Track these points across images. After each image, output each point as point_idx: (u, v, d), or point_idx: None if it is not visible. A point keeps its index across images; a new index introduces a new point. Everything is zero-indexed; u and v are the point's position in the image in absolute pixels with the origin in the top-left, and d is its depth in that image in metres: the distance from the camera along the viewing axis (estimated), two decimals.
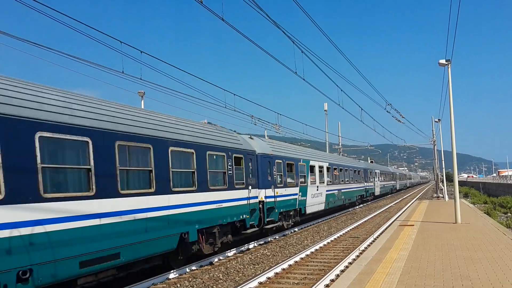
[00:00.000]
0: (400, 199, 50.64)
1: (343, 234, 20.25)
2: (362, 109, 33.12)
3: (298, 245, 17.45)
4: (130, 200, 9.91)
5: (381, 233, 18.89)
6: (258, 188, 17.04)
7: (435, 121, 43.79)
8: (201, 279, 11.60)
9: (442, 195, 43.70)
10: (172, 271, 12.31)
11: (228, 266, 13.30)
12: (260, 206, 17.13)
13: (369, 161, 54.37)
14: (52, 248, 7.91)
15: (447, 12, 19.86)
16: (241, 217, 15.37)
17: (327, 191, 26.60)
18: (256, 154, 17.22)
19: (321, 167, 25.80)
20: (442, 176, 51.58)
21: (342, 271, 11.66)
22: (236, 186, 15.16)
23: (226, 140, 15.11)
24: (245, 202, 15.72)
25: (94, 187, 8.94)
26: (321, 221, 25.82)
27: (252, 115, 26.58)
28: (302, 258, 14.27)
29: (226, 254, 15.01)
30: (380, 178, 50.52)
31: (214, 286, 10.93)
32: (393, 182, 64.51)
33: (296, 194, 21.15)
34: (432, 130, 49.29)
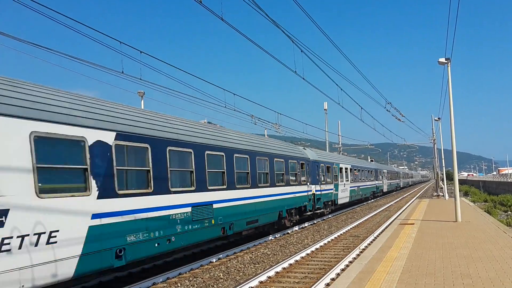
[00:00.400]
0: (400, 198, 50.66)
1: (344, 233, 20.26)
2: (362, 108, 33.16)
3: (298, 244, 17.46)
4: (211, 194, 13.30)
5: (381, 232, 18.89)
6: (311, 185, 23.56)
7: (435, 120, 43.79)
8: (202, 278, 11.61)
9: (442, 194, 43.71)
10: (172, 270, 12.33)
11: (229, 265, 13.30)
12: (312, 197, 23.57)
13: (369, 160, 54.64)
14: (137, 231, 10.10)
15: (447, 9, 19.86)
16: (304, 203, 22.33)
17: (350, 187, 33.25)
18: (310, 160, 23.72)
19: (346, 169, 32.19)
20: (442, 174, 51.60)
21: (343, 270, 11.67)
22: (302, 183, 22.02)
23: (297, 152, 22.21)
24: (306, 194, 22.66)
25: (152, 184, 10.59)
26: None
27: (252, 114, 26.60)
28: (302, 257, 14.28)
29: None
30: (387, 176, 56.16)
31: (215, 285, 10.94)
32: (397, 180, 70.30)
33: (331, 189, 27.78)
34: (432, 129, 49.30)
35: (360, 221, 24.98)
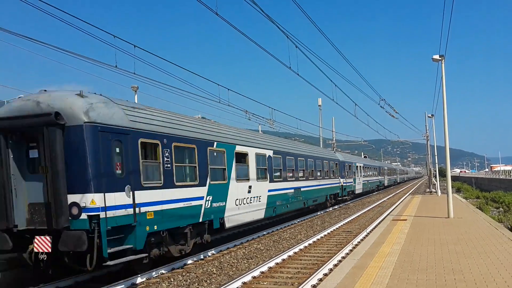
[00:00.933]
0: (393, 194, 50.92)
1: (337, 228, 20.33)
2: (356, 104, 33.18)
3: (291, 239, 17.51)
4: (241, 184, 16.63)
5: (374, 228, 18.98)
6: (341, 178, 33.02)
7: (428, 117, 44.00)
8: (195, 273, 11.61)
9: (434, 190, 43.99)
10: (165, 265, 12.31)
11: (222, 260, 13.31)
12: (341, 187, 32.76)
13: (362, 156, 55.16)
14: (280, 199, 20.22)
15: (442, 7, 19.89)
16: (337, 191, 31.81)
17: (363, 181, 42.15)
18: (340, 161, 33.42)
19: (360, 167, 41.58)
20: (435, 171, 51.87)
21: (336, 265, 11.71)
22: (336, 177, 31.70)
23: (333, 155, 33.07)
24: (338, 185, 32.03)
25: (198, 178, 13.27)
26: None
27: (246, 110, 26.56)
28: (295, 253, 14.31)
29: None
30: (387, 173, 66.50)
31: (208, 280, 10.94)
32: (395, 176, 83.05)
33: (351, 182, 36.84)
34: (425, 126, 49.53)
35: (353, 216, 25.08)
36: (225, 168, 14.95)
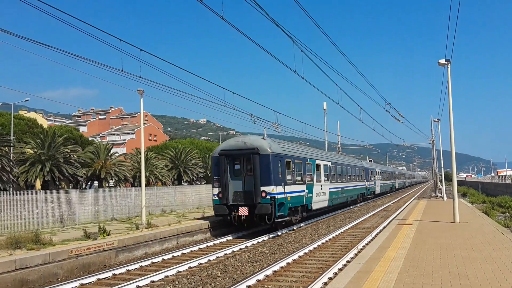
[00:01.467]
0: (398, 198, 50.72)
1: (342, 232, 20.28)
2: (361, 108, 33.16)
3: (296, 243, 17.47)
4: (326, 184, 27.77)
5: (379, 232, 18.90)
6: (366, 181, 41.34)
7: (434, 121, 43.81)
8: (200, 276, 11.61)
9: (440, 195, 43.75)
10: (170, 268, 12.34)
11: (226, 263, 13.31)
12: (365, 189, 41.13)
13: (367, 160, 55.20)
14: (335, 194, 29.30)
15: (448, 11, 19.85)
16: (364, 191, 40.57)
17: (380, 184, 50.88)
18: (366, 168, 42.38)
19: (378, 172, 50.03)
20: (441, 175, 51.62)
21: (341, 269, 11.67)
22: (363, 180, 39.87)
23: (361, 164, 42.04)
24: (364, 186, 40.63)
25: (304, 179, 22.81)
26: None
27: (251, 113, 26.64)
28: (300, 256, 14.29)
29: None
30: (402, 177, 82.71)
31: (212, 284, 10.94)
32: (409, 179, 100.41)
33: (373, 184, 45.81)
34: (431, 130, 49.34)
35: (358, 221, 25.01)
36: (311, 174, 24.17)
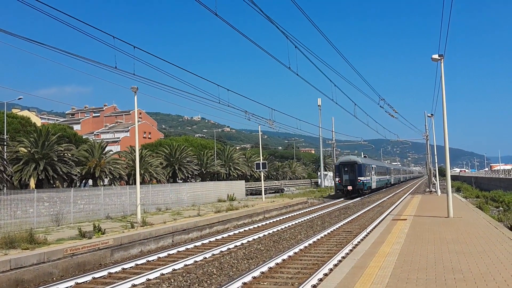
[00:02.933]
0: (393, 194, 50.98)
1: (337, 228, 20.35)
2: (355, 104, 33.31)
3: (291, 239, 17.52)
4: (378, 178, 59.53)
5: (374, 228, 19.00)
6: (388, 176, 69.82)
7: (428, 116, 44.02)
8: (195, 274, 11.62)
9: (434, 190, 44.01)
10: (166, 266, 12.33)
11: (222, 261, 13.33)
12: (388, 181, 69.58)
13: (362, 156, 55.77)
14: (380, 182, 60.56)
15: (441, 6, 19.90)
16: (387, 182, 69.36)
17: (376, 179, 55.60)
18: (386, 167, 73.15)
19: (374, 167, 55.28)
20: (435, 170, 51.91)
21: (336, 265, 11.73)
22: (387, 175, 69.11)
23: (384, 164, 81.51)
24: (387, 178, 68.59)
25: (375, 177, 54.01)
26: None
27: (246, 110, 26.66)
28: (295, 253, 14.33)
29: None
30: (397, 172, 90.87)
31: (208, 281, 10.95)
32: (404, 175, 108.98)
33: (369, 180, 49.60)
34: (425, 125, 49.60)
35: (353, 216, 25.10)
36: (371, 171, 49.37)
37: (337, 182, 45.65)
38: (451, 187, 21.35)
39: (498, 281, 7.94)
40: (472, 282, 7.92)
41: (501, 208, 34.70)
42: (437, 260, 10.06)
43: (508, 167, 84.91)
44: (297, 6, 15.58)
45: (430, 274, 8.66)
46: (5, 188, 31.58)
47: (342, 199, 43.25)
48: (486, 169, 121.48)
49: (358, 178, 43.51)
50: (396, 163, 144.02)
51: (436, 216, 19.52)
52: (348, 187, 43.39)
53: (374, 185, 52.40)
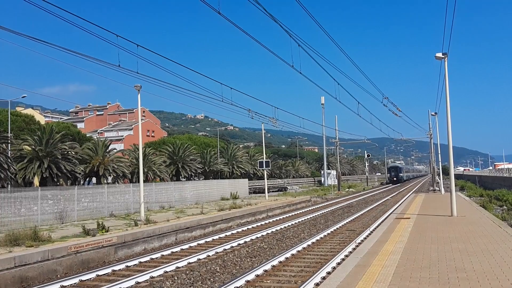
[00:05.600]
0: (396, 192, 50.87)
1: (340, 227, 20.35)
2: (359, 103, 33.37)
3: (295, 238, 17.54)
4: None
5: (377, 226, 18.98)
6: (407, 173, 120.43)
7: (432, 115, 43.92)
8: (199, 271, 11.66)
9: (438, 188, 43.91)
10: (169, 263, 12.38)
11: (225, 259, 13.36)
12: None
13: (365, 155, 55.48)
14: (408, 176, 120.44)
15: (445, 4, 19.86)
16: (409, 177, 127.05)
17: (411, 175, 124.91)
18: (409, 168, 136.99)
19: (408, 169, 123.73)
20: (439, 169, 51.77)
21: (339, 263, 11.73)
22: (409, 172, 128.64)
23: (409, 166, 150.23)
24: (409, 175, 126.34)
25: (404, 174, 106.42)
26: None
27: (249, 108, 26.66)
28: (298, 251, 14.35)
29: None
30: (416, 171, 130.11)
31: (211, 279, 10.99)
32: (417, 173, 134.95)
33: (402, 176, 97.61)
34: (429, 124, 49.54)
35: (357, 215, 25.09)
36: (403, 169, 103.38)
37: (388, 176, 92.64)
38: (455, 185, 21.29)
39: (501, 279, 7.93)
40: (475, 281, 7.91)
41: (505, 207, 34.54)
42: (440, 258, 10.05)
43: None
44: (301, 4, 15.59)
45: (433, 273, 8.66)
46: (9, 186, 31.74)
47: (348, 197, 43.54)
48: (490, 167, 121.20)
49: (399, 174, 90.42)
50: (400, 162, 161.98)
51: (440, 215, 19.48)
52: (394, 178, 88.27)
53: (405, 178, 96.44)
